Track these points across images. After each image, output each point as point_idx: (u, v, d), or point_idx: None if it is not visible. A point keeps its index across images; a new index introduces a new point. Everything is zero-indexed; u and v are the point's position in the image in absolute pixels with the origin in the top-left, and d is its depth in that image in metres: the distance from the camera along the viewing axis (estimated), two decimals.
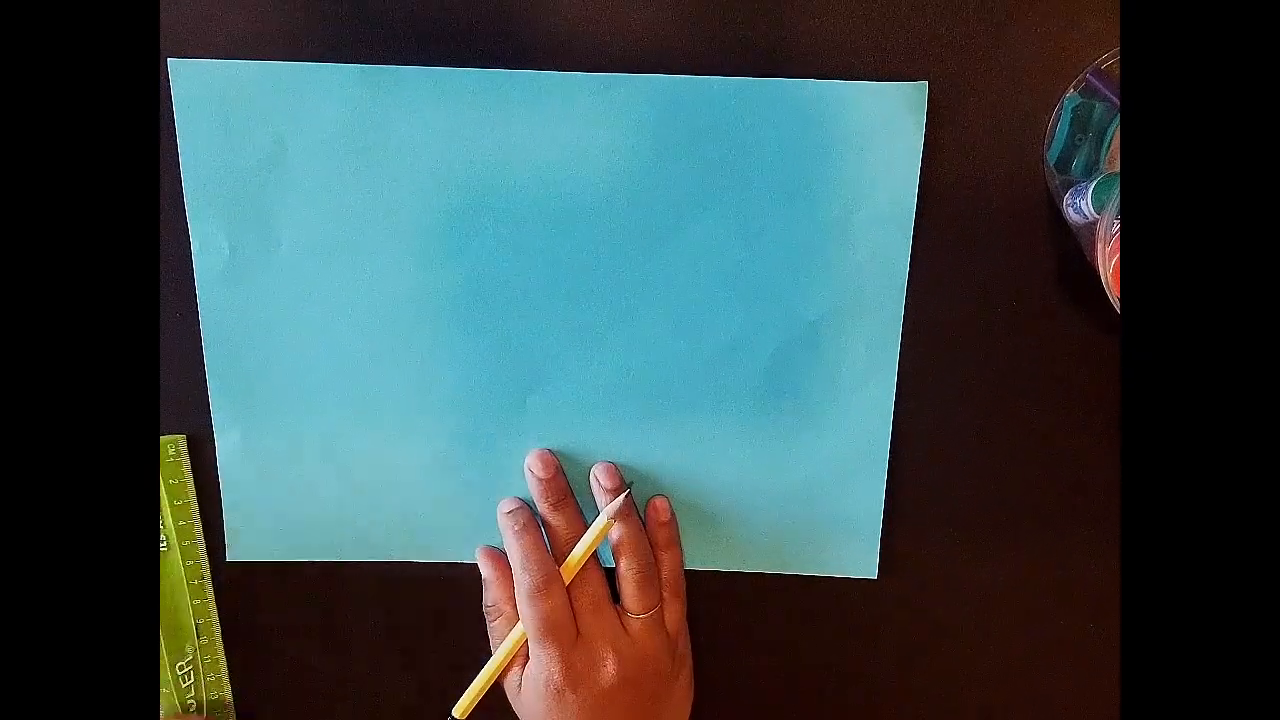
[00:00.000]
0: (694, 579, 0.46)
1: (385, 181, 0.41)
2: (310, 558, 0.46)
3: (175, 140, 0.41)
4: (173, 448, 0.45)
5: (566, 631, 0.43)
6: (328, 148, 0.41)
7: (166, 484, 0.45)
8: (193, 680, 0.47)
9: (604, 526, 0.43)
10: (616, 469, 0.44)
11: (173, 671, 0.47)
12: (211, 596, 0.47)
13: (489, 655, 0.45)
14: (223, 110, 0.41)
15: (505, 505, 0.45)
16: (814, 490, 0.45)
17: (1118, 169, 0.39)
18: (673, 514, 0.45)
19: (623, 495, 0.43)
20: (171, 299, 0.43)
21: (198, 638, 0.47)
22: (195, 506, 0.46)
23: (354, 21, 0.40)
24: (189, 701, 0.47)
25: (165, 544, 0.46)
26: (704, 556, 0.46)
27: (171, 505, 0.45)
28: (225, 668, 0.48)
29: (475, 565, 0.46)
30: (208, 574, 0.47)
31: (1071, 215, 0.39)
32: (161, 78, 0.40)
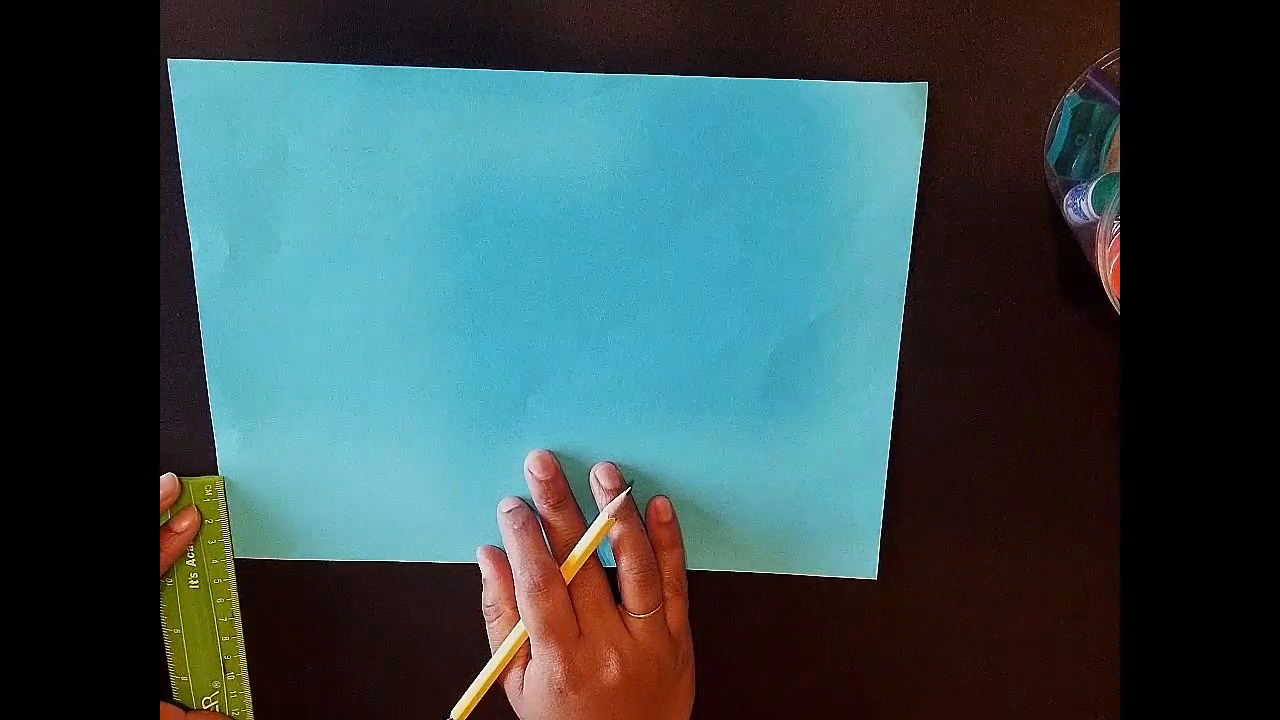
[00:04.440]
0: (694, 579, 0.46)
1: (385, 182, 0.41)
2: (310, 557, 0.46)
3: (175, 140, 0.41)
4: (210, 488, 0.45)
5: (568, 630, 0.42)
6: (328, 148, 0.41)
7: (202, 523, 0.45)
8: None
9: (605, 525, 0.43)
10: (616, 469, 0.44)
11: (197, 703, 0.47)
12: (240, 634, 0.47)
13: (489, 656, 0.45)
14: (223, 111, 0.41)
15: (505, 505, 0.45)
16: (814, 490, 0.45)
17: (1118, 169, 0.39)
18: (674, 514, 0.45)
19: (623, 494, 0.43)
20: (171, 299, 0.43)
21: (225, 673, 0.47)
22: (229, 546, 0.46)
23: (354, 22, 0.40)
24: None
25: (196, 582, 0.46)
26: (704, 557, 0.46)
27: (205, 544, 0.45)
28: (250, 703, 0.48)
29: (475, 565, 0.46)
30: (237, 612, 0.47)
31: (1071, 215, 0.39)
32: (161, 78, 0.40)
